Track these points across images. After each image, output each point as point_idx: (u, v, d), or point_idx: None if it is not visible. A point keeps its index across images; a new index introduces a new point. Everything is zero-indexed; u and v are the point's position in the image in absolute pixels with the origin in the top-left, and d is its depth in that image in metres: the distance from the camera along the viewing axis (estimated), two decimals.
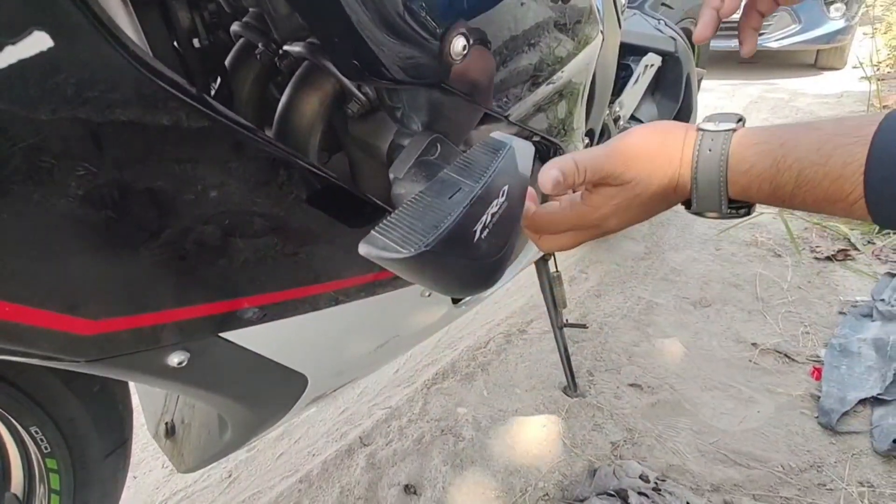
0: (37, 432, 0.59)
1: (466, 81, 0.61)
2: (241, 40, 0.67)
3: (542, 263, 1.19)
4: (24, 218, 0.35)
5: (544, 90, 0.75)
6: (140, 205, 0.40)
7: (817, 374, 1.30)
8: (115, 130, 0.37)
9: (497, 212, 0.41)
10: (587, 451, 1.15)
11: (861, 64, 2.98)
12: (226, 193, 0.44)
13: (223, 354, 0.52)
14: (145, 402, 0.83)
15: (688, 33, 1.74)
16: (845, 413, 1.16)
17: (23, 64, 0.32)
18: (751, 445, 1.13)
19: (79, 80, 0.34)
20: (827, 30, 3.82)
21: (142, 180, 0.40)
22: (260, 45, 0.64)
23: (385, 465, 1.16)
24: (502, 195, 0.41)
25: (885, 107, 2.83)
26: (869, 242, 1.80)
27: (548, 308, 1.23)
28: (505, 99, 0.68)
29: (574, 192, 0.45)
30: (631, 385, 1.32)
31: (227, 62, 0.67)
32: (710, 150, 0.38)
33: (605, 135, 1.23)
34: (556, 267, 1.20)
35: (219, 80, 0.67)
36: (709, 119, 0.40)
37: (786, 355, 1.37)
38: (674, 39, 1.46)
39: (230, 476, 1.19)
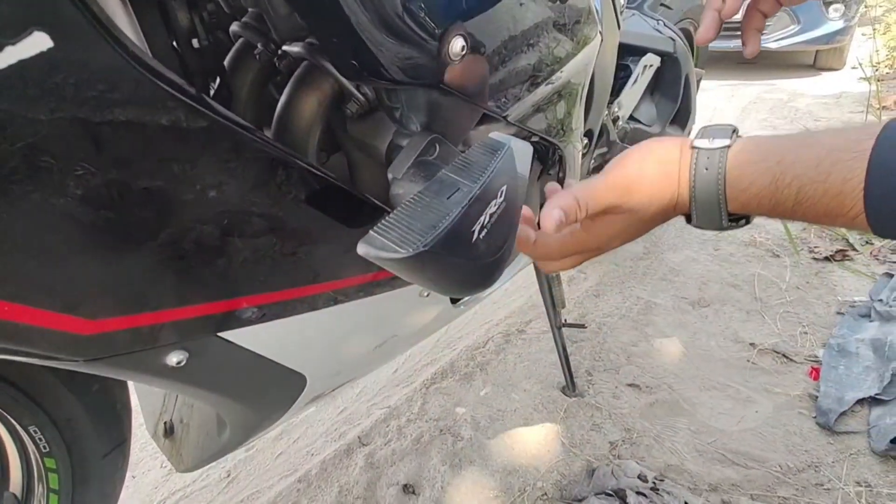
0: (35, 432, 0.59)
1: (465, 82, 0.61)
2: (241, 40, 0.67)
3: None
4: (22, 217, 0.35)
5: (543, 90, 0.75)
6: (139, 205, 0.40)
7: (815, 374, 1.30)
8: (114, 130, 0.37)
9: (495, 212, 0.41)
10: (585, 450, 1.15)
11: (860, 65, 2.98)
12: (224, 193, 0.44)
13: (222, 354, 0.52)
14: (144, 401, 0.84)
15: (687, 34, 1.74)
16: (843, 413, 1.16)
17: (22, 64, 0.32)
18: (749, 445, 1.13)
19: (78, 80, 0.34)
20: (826, 30, 3.82)
21: (141, 180, 0.40)
22: (259, 45, 0.65)
23: (384, 465, 1.16)
24: (501, 195, 0.42)
25: (883, 107, 2.83)
26: (867, 243, 1.81)
27: (546, 308, 1.23)
28: (503, 99, 0.68)
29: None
30: (629, 385, 1.32)
31: (226, 62, 0.67)
32: (706, 169, 0.38)
33: (603, 135, 1.24)
34: None
35: (218, 80, 0.67)
36: (703, 134, 0.40)
37: (784, 355, 1.37)
38: (673, 40, 1.46)
39: (229, 476, 1.19)
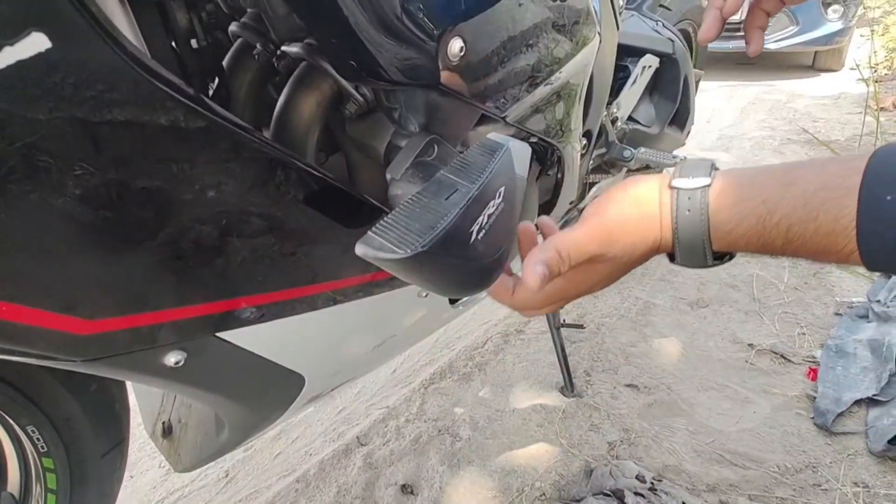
0: (33, 432, 0.59)
1: (463, 83, 0.61)
2: (239, 41, 0.67)
3: None
4: (21, 217, 0.35)
5: (542, 91, 0.75)
6: (137, 205, 0.40)
7: (813, 374, 1.30)
8: (112, 131, 0.37)
9: (493, 213, 0.41)
10: (584, 451, 1.15)
11: (857, 66, 2.99)
12: (223, 194, 0.45)
13: (220, 354, 0.52)
14: (142, 401, 0.84)
15: (685, 35, 1.74)
16: (841, 414, 1.17)
17: (21, 64, 0.32)
18: (747, 446, 1.14)
19: (77, 80, 0.34)
20: (825, 31, 3.83)
21: (139, 180, 0.40)
22: (258, 45, 0.64)
23: (382, 465, 1.16)
24: (499, 196, 0.42)
25: (881, 108, 2.84)
26: None
27: None
28: (502, 100, 0.69)
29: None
30: (628, 385, 1.32)
31: (224, 63, 0.67)
32: (688, 211, 0.37)
33: (602, 135, 1.24)
34: None
35: (216, 80, 0.67)
36: (681, 172, 0.39)
37: (782, 356, 1.38)
38: (672, 41, 1.47)
39: (227, 476, 1.19)
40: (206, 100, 0.41)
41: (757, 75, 4.28)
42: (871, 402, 1.19)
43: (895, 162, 0.31)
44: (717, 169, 0.38)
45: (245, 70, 0.67)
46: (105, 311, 0.42)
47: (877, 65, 3.83)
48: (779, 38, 3.88)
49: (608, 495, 1.00)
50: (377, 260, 0.34)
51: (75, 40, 0.33)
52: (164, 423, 0.78)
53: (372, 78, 0.53)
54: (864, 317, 1.44)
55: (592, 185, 1.31)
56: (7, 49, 0.31)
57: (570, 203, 1.01)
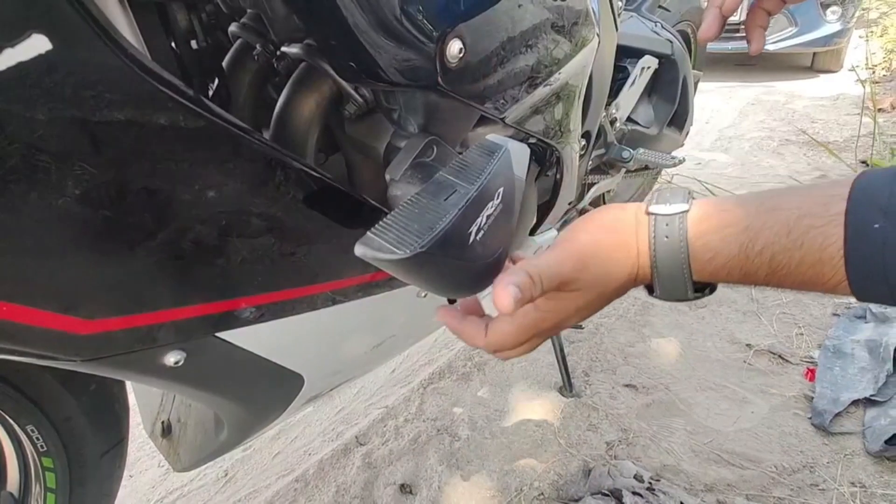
0: (33, 431, 0.59)
1: (462, 84, 0.61)
2: (239, 41, 0.68)
3: None
4: (21, 217, 0.35)
5: (541, 92, 0.75)
6: (137, 205, 0.40)
7: (811, 375, 1.30)
8: (112, 131, 0.37)
9: (492, 214, 0.41)
10: (582, 450, 1.15)
11: (855, 68, 2.99)
12: (223, 194, 0.45)
13: (220, 354, 0.53)
14: (142, 401, 0.84)
15: (685, 36, 1.75)
16: (838, 414, 1.17)
17: (21, 66, 0.32)
18: (744, 446, 1.14)
19: (77, 81, 0.34)
20: (823, 32, 3.83)
21: (139, 181, 0.40)
22: (257, 46, 0.65)
23: (381, 465, 1.16)
24: (498, 197, 0.42)
25: (879, 110, 2.84)
26: None
27: None
28: (501, 101, 0.69)
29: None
30: (626, 385, 1.33)
31: (224, 63, 0.67)
32: (667, 238, 0.36)
33: (601, 136, 1.24)
34: None
35: (216, 81, 0.67)
36: (657, 199, 0.38)
37: (780, 356, 1.38)
38: (671, 42, 1.47)
39: (226, 475, 1.19)
40: (206, 100, 0.41)
41: (756, 76, 4.29)
42: (869, 402, 1.19)
43: (879, 188, 0.30)
44: (693, 197, 0.37)
45: (245, 71, 0.67)
46: (105, 310, 0.42)
47: (875, 66, 3.85)
48: (778, 39, 3.89)
49: (606, 495, 1.01)
50: (376, 260, 0.34)
51: (75, 41, 0.34)
52: (163, 422, 0.78)
53: (371, 79, 0.53)
54: (862, 317, 1.44)
55: (591, 185, 1.31)
56: (7, 50, 0.31)
57: (569, 204, 1.01)
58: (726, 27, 0.55)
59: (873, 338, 1.32)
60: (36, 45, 0.32)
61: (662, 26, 1.50)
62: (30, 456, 0.62)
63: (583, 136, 1.03)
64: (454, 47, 0.57)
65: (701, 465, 1.10)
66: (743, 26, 0.58)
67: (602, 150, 1.28)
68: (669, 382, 1.33)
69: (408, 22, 0.53)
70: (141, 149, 0.39)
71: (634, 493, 0.99)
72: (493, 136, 0.48)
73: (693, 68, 1.68)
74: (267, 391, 0.64)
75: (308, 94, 0.62)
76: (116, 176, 0.38)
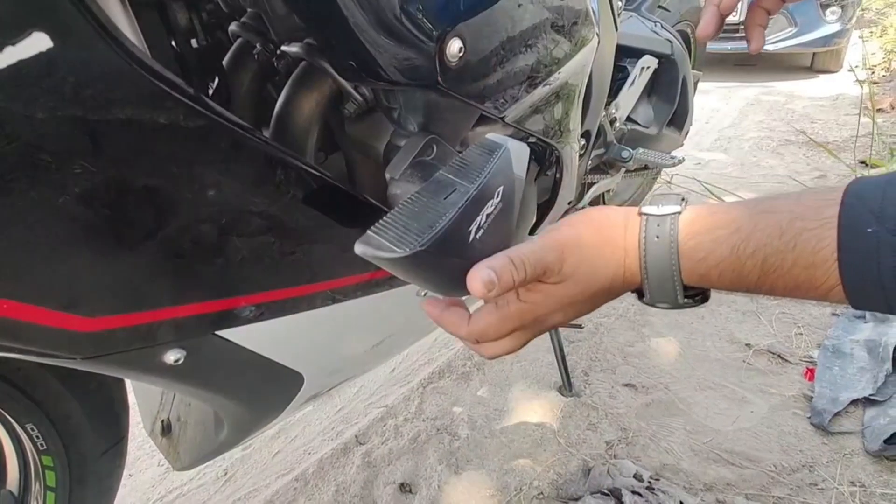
0: (33, 429, 0.59)
1: (462, 83, 0.61)
2: (239, 40, 0.68)
3: None
4: (21, 215, 0.35)
5: (541, 91, 0.75)
6: (137, 203, 0.40)
7: (810, 374, 1.31)
8: (113, 130, 0.37)
9: (492, 213, 0.41)
10: (582, 450, 1.16)
11: (853, 68, 2.99)
12: (223, 193, 0.45)
13: (220, 352, 0.53)
14: (141, 399, 0.84)
15: (684, 36, 1.75)
16: (837, 413, 1.17)
17: (22, 64, 0.32)
18: (744, 445, 1.14)
19: (77, 79, 0.34)
20: (823, 33, 3.84)
21: (139, 179, 0.40)
22: (258, 45, 0.65)
23: (381, 464, 1.16)
24: (497, 196, 0.42)
25: (878, 110, 2.85)
26: None
27: None
28: (501, 100, 0.69)
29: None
30: (626, 385, 1.33)
31: (224, 62, 0.67)
32: (657, 238, 0.36)
33: (600, 136, 1.24)
34: None
35: (216, 80, 0.67)
36: (650, 202, 0.37)
37: (779, 356, 1.38)
38: (670, 42, 1.47)
39: (226, 474, 1.19)
40: (206, 99, 0.41)
41: (755, 76, 4.29)
42: (868, 401, 1.19)
43: (871, 193, 0.30)
44: (686, 201, 0.37)
45: (245, 70, 0.67)
46: (105, 308, 0.42)
47: (874, 66, 3.85)
48: (777, 39, 3.89)
49: (606, 494, 1.01)
50: (376, 259, 0.34)
51: (76, 40, 0.34)
52: (163, 421, 0.78)
53: (371, 78, 0.53)
54: (861, 317, 1.44)
55: (591, 185, 1.31)
56: (8, 48, 0.31)
57: (569, 203, 1.01)
58: (726, 27, 0.55)
59: (872, 338, 1.32)
60: (37, 42, 0.32)
61: (662, 26, 1.50)
62: (30, 454, 0.62)
63: (582, 136, 1.03)
64: (454, 46, 0.57)
65: (700, 465, 1.10)
66: (742, 26, 0.58)
67: (602, 150, 1.29)
68: (669, 382, 1.33)
69: (408, 21, 0.53)
70: (141, 147, 0.39)
71: (634, 493, 0.99)
72: (493, 135, 0.48)
73: (693, 68, 1.68)
74: (267, 390, 0.64)
75: (308, 93, 0.62)
76: (117, 174, 0.39)
